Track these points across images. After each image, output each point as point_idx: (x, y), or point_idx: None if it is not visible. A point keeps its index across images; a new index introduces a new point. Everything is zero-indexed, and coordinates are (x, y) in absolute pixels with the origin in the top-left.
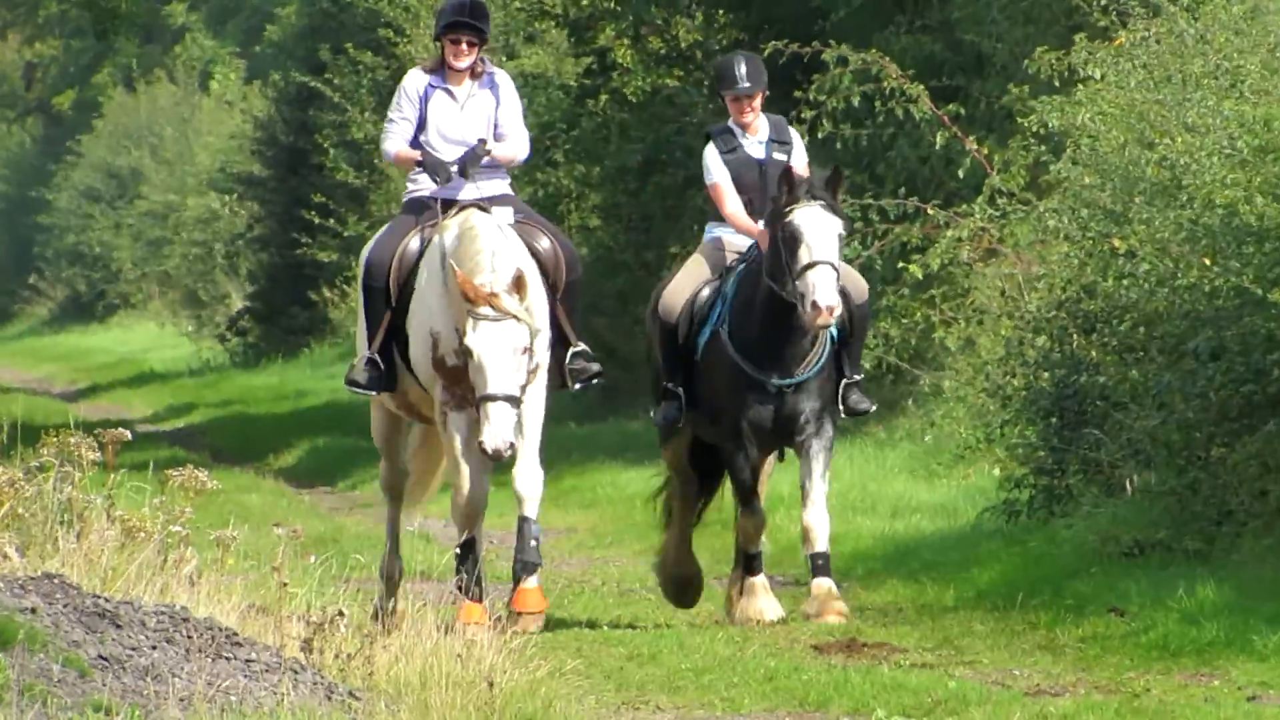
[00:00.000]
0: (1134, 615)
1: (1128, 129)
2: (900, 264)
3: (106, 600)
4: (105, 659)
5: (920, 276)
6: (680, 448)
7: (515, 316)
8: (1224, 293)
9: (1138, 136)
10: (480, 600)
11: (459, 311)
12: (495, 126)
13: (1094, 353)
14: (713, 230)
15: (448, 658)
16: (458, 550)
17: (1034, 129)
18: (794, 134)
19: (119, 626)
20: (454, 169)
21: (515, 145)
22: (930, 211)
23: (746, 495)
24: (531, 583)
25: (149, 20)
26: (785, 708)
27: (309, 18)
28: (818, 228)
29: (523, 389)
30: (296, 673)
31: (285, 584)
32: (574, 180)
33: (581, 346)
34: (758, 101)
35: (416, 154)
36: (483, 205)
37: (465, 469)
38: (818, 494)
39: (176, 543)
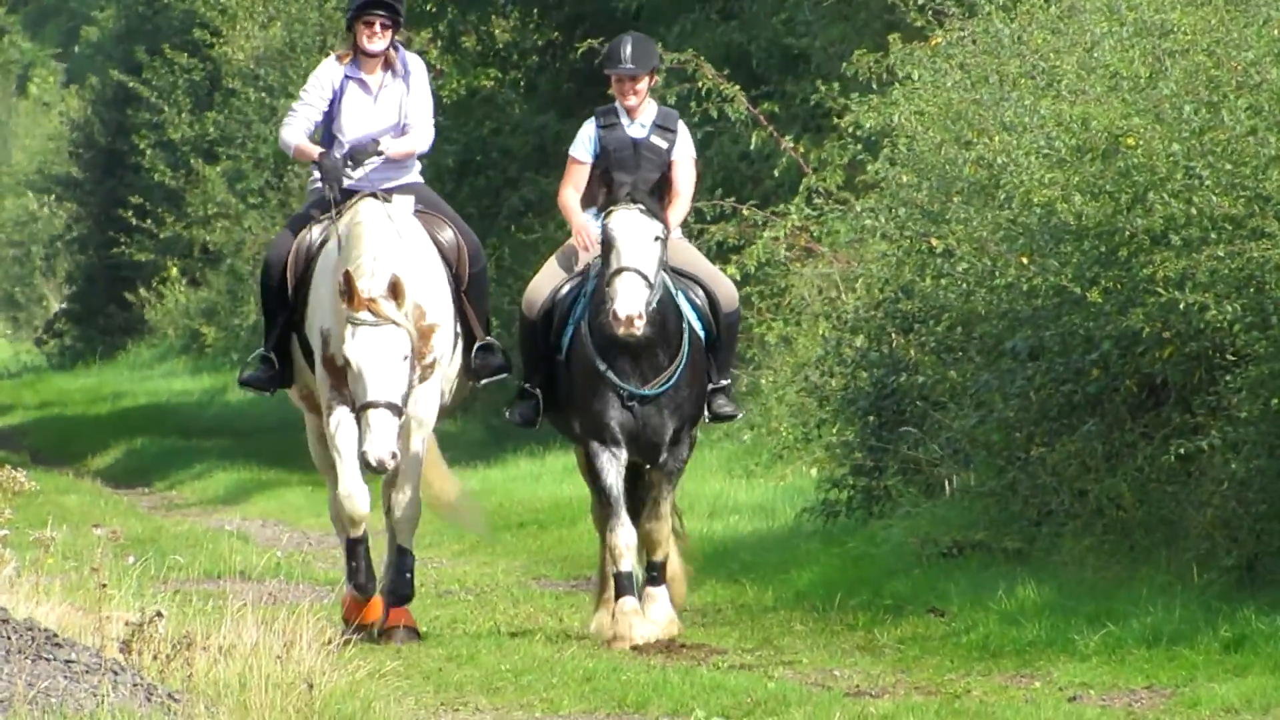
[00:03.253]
0: (954, 616)
1: (945, 129)
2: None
3: None
4: None
5: (738, 276)
6: (581, 460)
7: (394, 322)
8: (1042, 292)
9: (955, 136)
10: (372, 596)
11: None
12: (402, 117)
13: (912, 352)
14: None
15: (267, 659)
16: (344, 552)
17: (850, 129)
18: (683, 127)
19: None
20: (344, 164)
21: (415, 138)
22: (746, 212)
23: (611, 505)
24: (406, 607)
25: None
26: (604, 709)
27: (126, 19)
28: (630, 232)
29: (405, 398)
30: (116, 674)
31: (104, 585)
32: None
33: (488, 340)
34: (642, 85)
35: (315, 152)
36: (383, 195)
37: (344, 469)
38: (664, 506)
39: None
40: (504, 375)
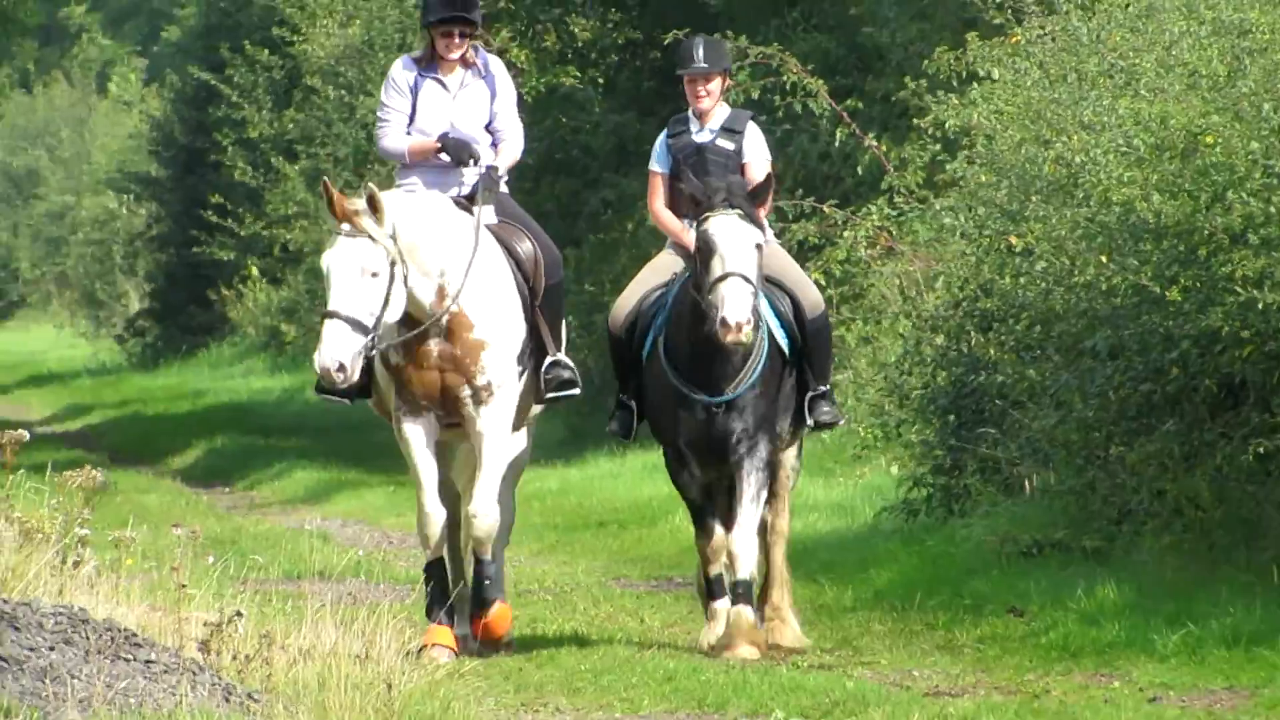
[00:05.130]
0: (1033, 615)
1: (1024, 127)
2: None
3: (5, 601)
4: (4, 660)
5: (820, 278)
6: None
7: (370, 236)
8: (1121, 290)
9: (1034, 135)
10: (447, 624)
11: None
12: (492, 117)
13: (991, 351)
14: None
15: (346, 659)
16: (425, 571)
17: (931, 128)
18: (752, 127)
19: (17, 628)
20: (468, 179)
21: (513, 146)
22: (827, 210)
23: (697, 514)
24: (491, 611)
25: (45, 22)
26: (684, 709)
27: (207, 17)
28: (731, 237)
29: (376, 318)
30: (195, 674)
31: (184, 585)
32: None
33: (559, 356)
34: (714, 85)
35: (434, 142)
36: (464, 204)
37: (423, 483)
38: (746, 518)
39: (75, 543)
40: (573, 392)
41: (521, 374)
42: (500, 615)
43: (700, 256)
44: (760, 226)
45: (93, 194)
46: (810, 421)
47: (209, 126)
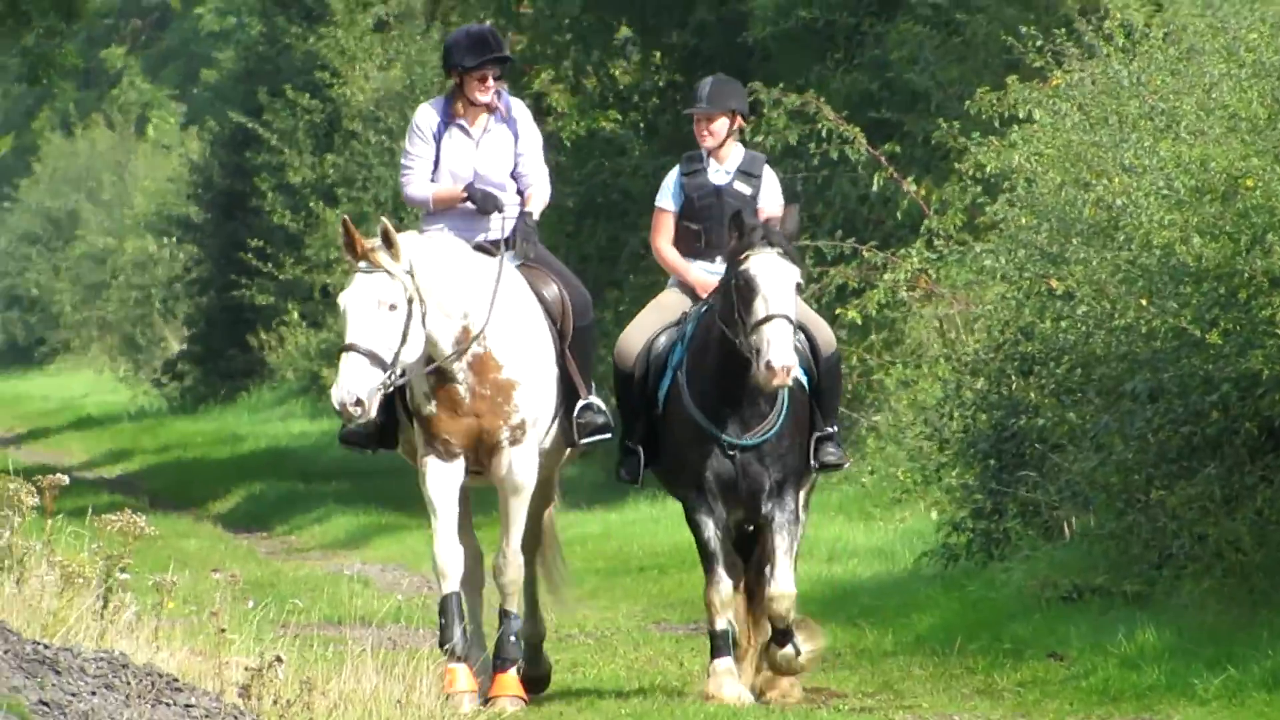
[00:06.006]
0: (1073, 660)
1: (1064, 170)
2: (838, 309)
3: (46, 646)
4: (46, 704)
5: (859, 320)
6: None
7: (387, 271)
8: (1162, 334)
9: (1074, 177)
10: (463, 661)
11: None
12: (516, 163)
13: (1032, 394)
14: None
15: (387, 704)
16: (439, 604)
17: (971, 171)
18: (768, 171)
19: (59, 672)
20: (494, 226)
21: (541, 191)
22: (866, 254)
23: (710, 561)
24: (511, 672)
25: (85, 65)
26: None
27: (246, 60)
28: (773, 277)
29: (394, 353)
30: (236, 718)
31: (224, 629)
32: None
33: (591, 399)
34: (717, 125)
35: (460, 191)
36: (487, 248)
37: (440, 522)
38: (783, 570)
39: (116, 588)
40: (606, 436)
41: (554, 416)
42: (504, 683)
43: (740, 296)
44: (798, 263)
45: (133, 237)
46: (815, 464)
47: (248, 170)
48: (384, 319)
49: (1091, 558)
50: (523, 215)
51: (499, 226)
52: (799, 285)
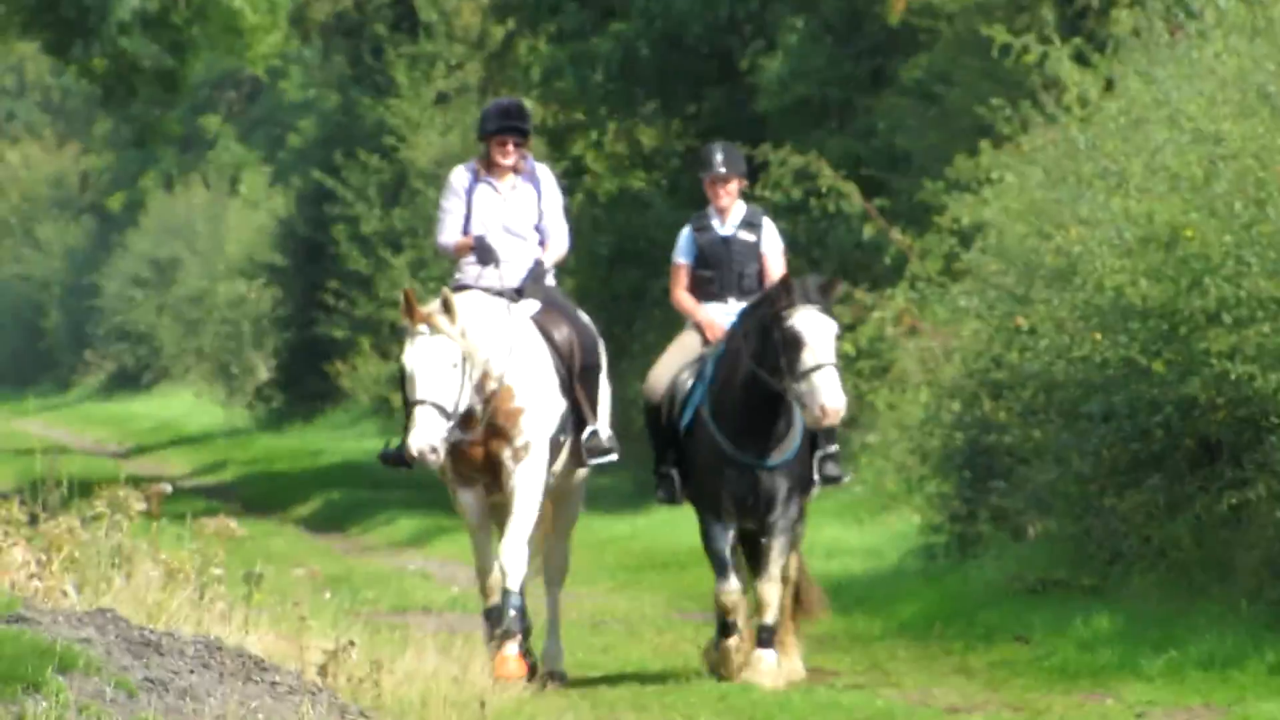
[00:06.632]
0: (1037, 643)
1: (1029, 222)
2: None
3: (151, 631)
4: (150, 681)
5: (853, 352)
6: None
7: (446, 334)
8: (1113, 363)
9: (1037, 229)
10: (512, 653)
11: None
12: (540, 216)
13: (1001, 415)
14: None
15: (445, 681)
16: (484, 615)
17: (948, 224)
18: (767, 222)
19: (162, 654)
20: (509, 281)
21: (559, 243)
22: (858, 295)
23: (723, 567)
24: (509, 649)
25: (185, 131)
26: None
27: (324, 127)
28: (818, 331)
29: (455, 404)
30: (314, 694)
31: (304, 617)
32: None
33: (596, 427)
34: (732, 186)
35: (469, 239)
36: (506, 294)
37: (478, 545)
38: (774, 569)
39: (211, 582)
40: (611, 457)
41: (563, 441)
42: (503, 659)
43: (787, 347)
44: (835, 318)
45: (226, 280)
46: (818, 478)
47: (326, 222)
48: (448, 376)
49: (1052, 555)
50: (537, 261)
51: (513, 275)
52: (837, 336)
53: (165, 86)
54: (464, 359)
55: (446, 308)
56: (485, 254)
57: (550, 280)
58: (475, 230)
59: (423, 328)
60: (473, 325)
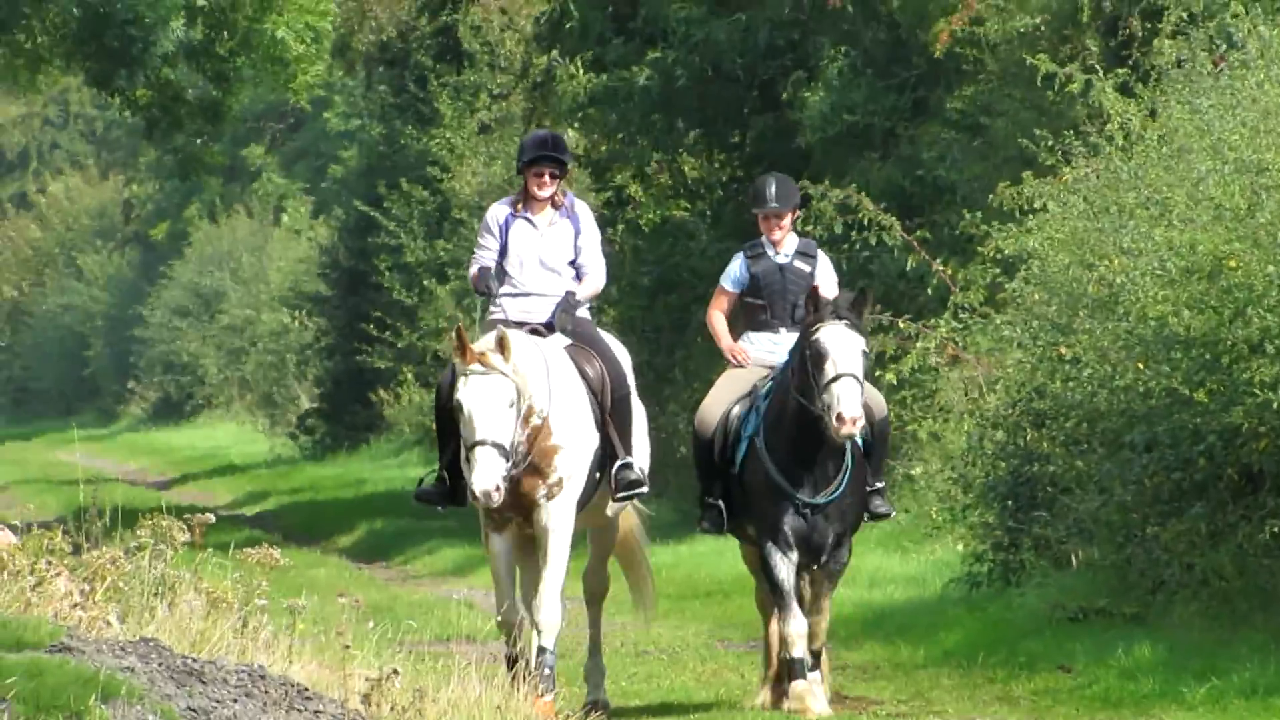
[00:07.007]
0: (1079, 672)
1: (1071, 252)
2: (878, 372)
3: (194, 660)
4: (194, 710)
5: (895, 381)
6: (752, 555)
7: (501, 373)
8: (1156, 393)
9: (1080, 259)
10: (547, 701)
11: None
12: (577, 253)
13: (1044, 445)
14: (742, 341)
15: (489, 710)
16: (506, 662)
17: (991, 254)
18: (822, 254)
19: (205, 683)
20: (538, 316)
21: (595, 279)
22: (902, 325)
23: (784, 599)
24: (545, 699)
25: (229, 162)
26: None
27: (367, 158)
28: (841, 344)
29: (512, 443)
30: None
31: (348, 646)
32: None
33: (628, 459)
34: (786, 220)
35: (475, 271)
36: (539, 329)
37: (504, 591)
38: (825, 603)
39: (254, 611)
40: (641, 490)
41: (599, 478)
42: (546, 708)
43: (813, 361)
44: (864, 334)
45: (269, 310)
46: (867, 514)
47: (369, 252)
48: (504, 415)
49: (1095, 584)
50: (569, 294)
51: (546, 309)
52: (864, 352)
53: (209, 118)
54: (518, 397)
55: (501, 346)
56: (481, 283)
57: (584, 313)
58: (511, 265)
59: (476, 366)
60: (525, 365)
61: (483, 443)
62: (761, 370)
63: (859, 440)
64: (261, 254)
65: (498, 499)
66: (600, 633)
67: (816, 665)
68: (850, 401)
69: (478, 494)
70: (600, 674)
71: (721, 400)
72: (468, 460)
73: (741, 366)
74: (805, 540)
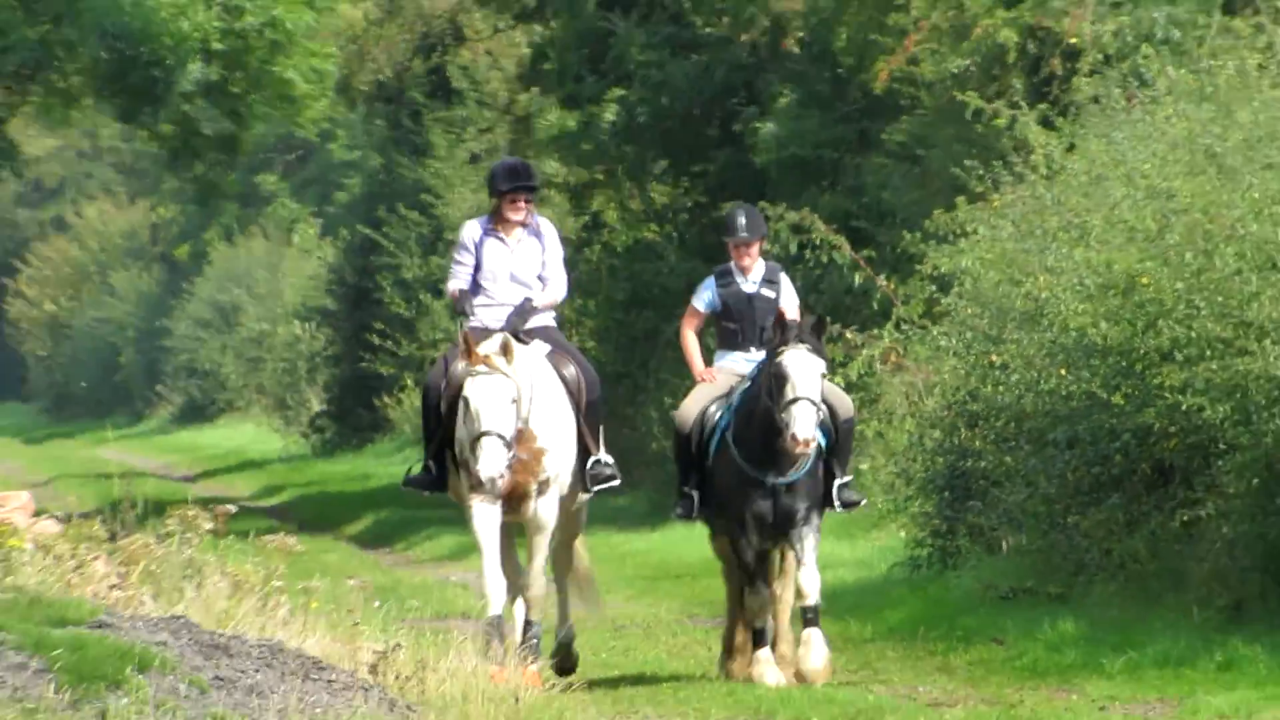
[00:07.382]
0: (1010, 645)
1: (1001, 271)
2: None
3: (220, 635)
4: (220, 680)
5: (844, 385)
6: (723, 542)
7: (504, 373)
8: (1077, 396)
9: (1008, 276)
10: (521, 664)
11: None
12: (542, 266)
13: (977, 443)
14: (718, 359)
15: (483, 679)
16: (486, 623)
17: (929, 272)
18: (784, 278)
19: (230, 655)
20: (499, 323)
21: (556, 289)
22: (849, 335)
23: (750, 576)
24: (531, 668)
25: (244, 189)
26: (743, 715)
27: (369, 185)
28: (802, 368)
29: (513, 436)
30: (366, 690)
31: (357, 623)
32: (574, 311)
33: (600, 455)
34: (755, 248)
35: (455, 290)
36: (521, 337)
37: (487, 557)
38: (809, 559)
39: (273, 592)
40: (614, 483)
41: (572, 470)
42: (533, 677)
43: (775, 382)
44: (824, 356)
45: (283, 322)
46: (838, 503)
47: (372, 270)
48: (508, 410)
49: (1023, 567)
50: (525, 300)
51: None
52: (823, 374)
53: (226, 149)
54: (519, 394)
55: (505, 350)
56: (461, 304)
57: (549, 320)
58: (485, 279)
59: (481, 367)
60: (523, 368)
61: (488, 434)
62: (736, 377)
63: (821, 440)
64: (276, 272)
65: (501, 484)
66: (568, 600)
67: (817, 621)
68: (805, 424)
69: (484, 479)
70: (570, 630)
71: (700, 400)
72: (473, 450)
73: (704, 381)
74: (774, 520)
